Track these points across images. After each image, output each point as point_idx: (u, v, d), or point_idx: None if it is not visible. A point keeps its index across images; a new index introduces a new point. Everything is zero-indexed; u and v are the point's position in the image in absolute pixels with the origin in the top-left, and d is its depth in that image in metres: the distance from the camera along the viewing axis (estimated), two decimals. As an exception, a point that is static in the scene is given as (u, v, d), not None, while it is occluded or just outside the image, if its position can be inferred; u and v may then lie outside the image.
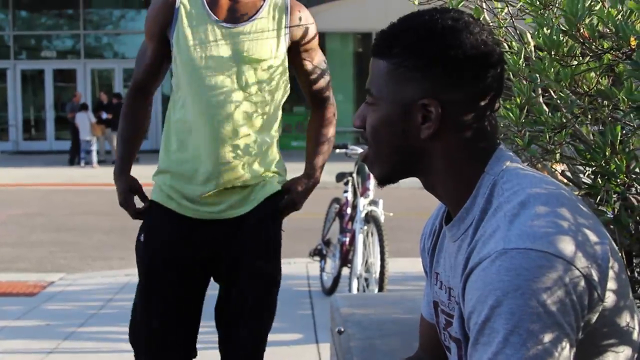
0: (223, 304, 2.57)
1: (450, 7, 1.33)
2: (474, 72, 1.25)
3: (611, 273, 1.18)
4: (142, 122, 2.71)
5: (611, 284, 1.18)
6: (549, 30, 1.57)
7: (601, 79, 1.67)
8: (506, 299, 1.10)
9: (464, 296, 1.21)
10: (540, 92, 1.88)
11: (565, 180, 2.23)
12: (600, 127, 1.84)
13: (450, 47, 1.24)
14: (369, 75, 1.34)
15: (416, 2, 2.29)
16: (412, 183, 10.02)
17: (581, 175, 1.98)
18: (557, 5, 1.63)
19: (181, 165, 2.52)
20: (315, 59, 2.68)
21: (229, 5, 2.51)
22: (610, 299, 1.17)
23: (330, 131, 2.76)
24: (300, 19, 2.59)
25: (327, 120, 2.75)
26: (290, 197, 2.65)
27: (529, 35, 2.01)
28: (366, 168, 5.66)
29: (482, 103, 1.27)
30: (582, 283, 1.13)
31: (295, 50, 2.60)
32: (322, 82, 2.71)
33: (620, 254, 1.90)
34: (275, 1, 2.56)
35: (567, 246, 1.13)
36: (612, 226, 1.63)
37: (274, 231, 2.60)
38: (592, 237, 1.18)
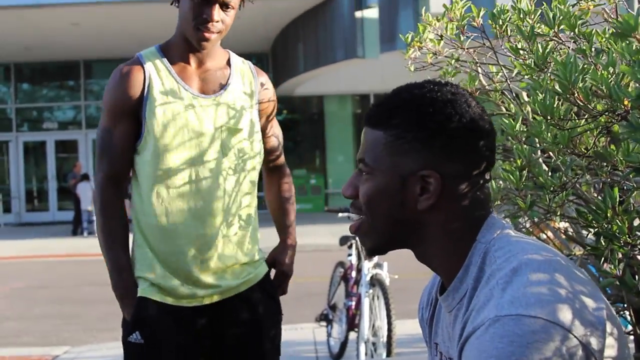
0: None
1: (445, 81, 1.34)
2: (472, 144, 1.26)
3: (610, 340, 1.16)
4: (125, 215, 2.47)
5: (610, 352, 1.15)
6: (542, 95, 1.59)
7: (598, 140, 1.69)
8: None
9: None
10: (539, 153, 1.90)
11: (563, 238, 2.23)
12: (600, 186, 1.85)
13: (451, 119, 1.25)
14: (362, 144, 1.34)
15: (412, 69, 2.33)
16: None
17: (584, 233, 1.98)
18: (551, 69, 1.65)
19: (167, 258, 2.40)
20: (275, 127, 2.65)
21: (200, 75, 2.45)
22: None
23: (292, 190, 2.74)
24: (263, 85, 2.56)
25: (286, 183, 2.72)
26: (280, 270, 2.62)
27: (524, 95, 2.03)
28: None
29: (478, 173, 1.28)
30: (580, 352, 1.11)
31: (260, 117, 2.55)
32: (280, 149, 2.69)
33: (629, 312, 1.89)
34: (241, 68, 2.53)
35: (563, 313, 1.12)
36: (617, 282, 1.62)
37: (275, 309, 2.58)
38: (589, 303, 1.16)
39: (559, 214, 1.78)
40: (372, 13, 15.57)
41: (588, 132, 1.68)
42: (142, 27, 17.09)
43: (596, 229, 1.58)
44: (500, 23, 1.94)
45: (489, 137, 1.29)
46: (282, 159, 2.72)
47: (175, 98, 2.39)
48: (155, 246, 2.41)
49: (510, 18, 1.93)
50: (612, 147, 1.62)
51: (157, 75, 2.40)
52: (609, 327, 1.16)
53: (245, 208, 2.50)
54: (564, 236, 2.26)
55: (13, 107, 23.07)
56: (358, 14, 15.74)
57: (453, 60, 2.19)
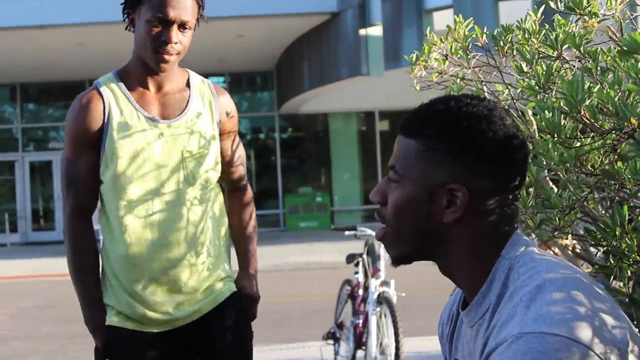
0: None
1: (484, 97, 1.35)
2: (503, 162, 1.27)
3: (632, 358, 1.16)
4: (95, 247, 2.44)
5: None
6: (550, 114, 1.59)
7: (605, 158, 1.69)
8: None
9: None
10: (546, 172, 1.90)
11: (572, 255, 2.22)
12: (608, 204, 1.85)
13: (484, 135, 1.25)
14: (394, 152, 1.35)
15: (417, 88, 2.33)
16: (422, 261, 9.72)
17: (592, 250, 1.98)
18: (556, 88, 1.66)
19: (134, 287, 2.39)
20: (238, 150, 2.61)
21: (159, 100, 2.42)
22: None
23: (254, 215, 2.70)
24: (223, 103, 2.54)
25: (247, 204, 2.68)
26: (246, 294, 2.60)
27: (529, 112, 2.04)
28: (376, 249, 5.65)
29: (506, 190, 1.28)
30: None
31: (221, 137, 2.53)
32: (242, 169, 2.64)
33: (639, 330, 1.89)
34: (200, 88, 2.50)
35: (584, 331, 1.12)
36: (627, 300, 1.62)
37: (247, 329, 2.57)
38: (610, 321, 1.17)
39: (568, 231, 1.78)
40: (376, 31, 15.62)
41: (595, 150, 1.68)
42: (147, 47, 17.14)
43: (605, 247, 1.58)
44: (502, 44, 1.95)
45: (521, 155, 1.29)
46: (247, 188, 2.69)
47: (136, 127, 2.37)
48: (123, 275, 2.40)
49: (514, 37, 1.94)
50: (619, 164, 1.62)
51: (116, 104, 2.38)
52: (630, 345, 1.17)
53: (211, 236, 2.48)
54: (571, 253, 2.25)
55: (19, 127, 23.14)
56: (362, 32, 15.78)
57: (459, 80, 2.20)
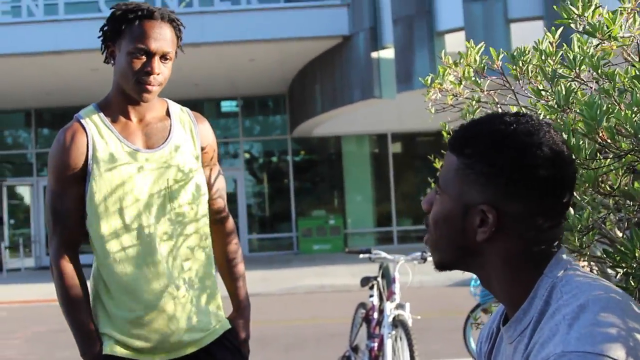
0: None
1: (532, 115, 1.33)
2: (539, 188, 1.26)
3: None
4: (84, 281, 2.43)
5: None
6: (567, 135, 1.58)
7: (623, 178, 1.68)
8: None
9: None
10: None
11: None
12: (626, 225, 1.84)
13: (518, 161, 1.25)
14: (443, 164, 1.38)
15: (432, 110, 2.33)
16: (436, 282, 9.93)
17: (610, 272, 1.96)
18: (574, 109, 1.65)
19: (123, 318, 2.39)
20: (215, 175, 2.61)
21: (142, 130, 2.44)
22: None
23: (238, 249, 2.68)
24: (203, 131, 2.55)
25: (232, 241, 2.67)
26: (240, 335, 2.59)
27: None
28: (391, 271, 5.64)
29: (542, 214, 1.28)
30: None
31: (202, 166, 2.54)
32: (221, 201, 2.63)
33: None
34: (180, 116, 2.52)
35: (626, 351, 1.12)
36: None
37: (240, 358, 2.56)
38: None
39: (586, 253, 1.77)
40: (388, 54, 15.67)
41: (613, 171, 1.67)
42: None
43: (625, 269, 1.56)
44: (521, 65, 1.94)
45: (561, 182, 1.28)
46: (229, 219, 2.68)
47: (120, 159, 2.38)
48: (111, 306, 2.41)
49: (530, 60, 1.93)
50: (638, 185, 1.61)
51: (99, 136, 2.40)
52: None
53: (197, 268, 2.47)
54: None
55: (33, 152, 23.30)
56: (374, 54, 15.85)
57: (474, 102, 2.20)
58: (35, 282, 18.27)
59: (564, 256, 1.32)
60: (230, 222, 2.67)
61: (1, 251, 20.59)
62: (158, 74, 2.37)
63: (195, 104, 21.90)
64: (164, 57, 2.38)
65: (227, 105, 23.15)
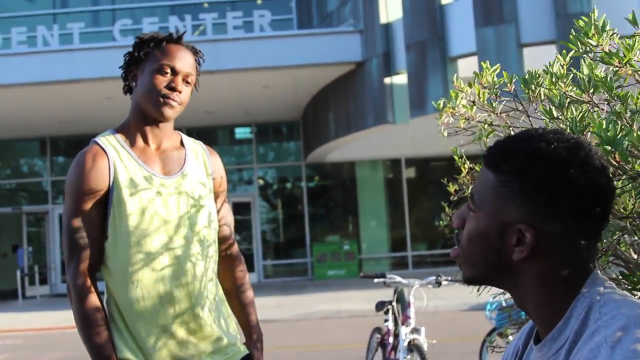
0: None
1: (569, 137, 1.29)
2: (578, 207, 1.24)
3: None
4: (102, 305, 2.41)
5: None
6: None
7: (637, 200, 1.68)
8: None
9: None
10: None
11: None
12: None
13: (557, 180, 1.24)
14: (477, 180, 1.36)
15: (445, 134, 2.34)
16: (451, 306, 9.87)
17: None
18: (589, 132, 1.66)
19: (144, 340, 2.40)
20: (226, 212, 2.65)
21: (160, 156, 2.47)
22: None
23: (246, 278, 2.68)
24: (216, 164, 2.60)
25: (240, 271, 2.68)
26: None
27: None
28: (405, 296, 5.62)
29: (580, 233, 1.26)
30: None
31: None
32: (227, 229, 2.66)
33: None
34: (194, 148, 2.57)
35: None
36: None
37: None
38: None
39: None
40: (401, 79, 15.72)
41: (626, 192, 1.67)
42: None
43: (640, 291, 1.56)
44: (533, 88, 1.95)
45: (600, 201, 1.26)
46: (235, 246, 2.70)
47: (141, 183, 2.40)
48: (132, 328, 2.41)
49: (542, 82, 1.94)
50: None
51: (120, 161, 2.41)
52: None
53: (213, 291, 2.51)
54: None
55: (49, 180, 23.44)
56: (387, 80, 15.89)
57: (486, 125, 2.20)
58: (50, 309, 18.31)
59: (600, 275, 1.30)
60: (237, 250, 2.71)
61: (20, 279, 20.67)
62: (181, 92, 2.44)
63: (209, 131, 22.00)
64: (185, 79, 2.47)
65: (241, 132, 23.24)
